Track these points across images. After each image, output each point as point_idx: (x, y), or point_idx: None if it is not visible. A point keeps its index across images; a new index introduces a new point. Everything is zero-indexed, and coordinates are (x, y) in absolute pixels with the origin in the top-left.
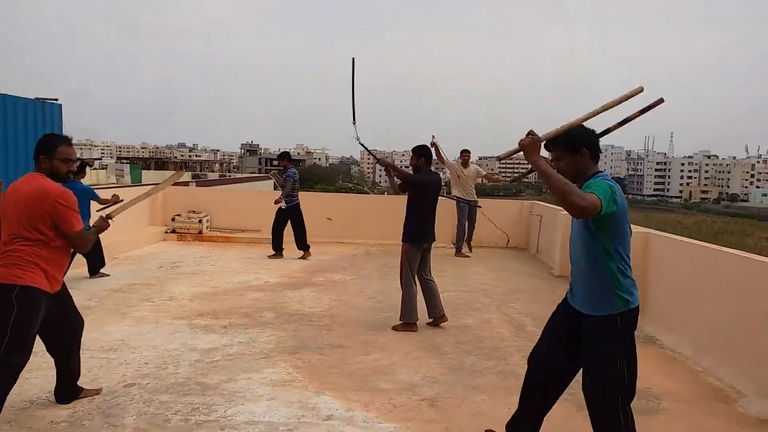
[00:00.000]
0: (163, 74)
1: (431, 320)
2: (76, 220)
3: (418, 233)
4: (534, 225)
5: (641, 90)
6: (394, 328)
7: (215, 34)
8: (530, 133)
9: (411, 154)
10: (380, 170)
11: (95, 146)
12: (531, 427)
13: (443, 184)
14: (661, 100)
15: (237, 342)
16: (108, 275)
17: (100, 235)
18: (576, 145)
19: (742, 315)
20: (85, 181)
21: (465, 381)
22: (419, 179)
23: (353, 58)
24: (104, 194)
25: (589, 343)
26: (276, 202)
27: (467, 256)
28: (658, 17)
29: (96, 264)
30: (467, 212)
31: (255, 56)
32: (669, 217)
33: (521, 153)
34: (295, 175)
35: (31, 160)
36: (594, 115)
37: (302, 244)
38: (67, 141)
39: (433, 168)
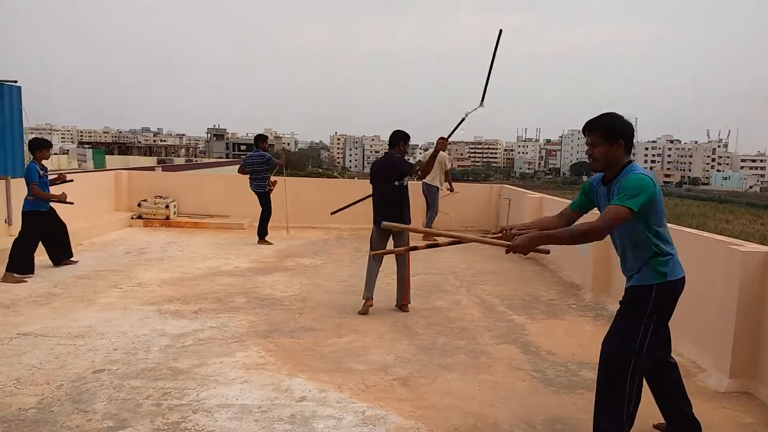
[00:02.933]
0: (126, 55)
1: (396, 304)
2: None
3: (373, 215)
4: (503, 208)
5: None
6: (359, 312)
7: (176, 12)
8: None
9: None
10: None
11: (56, 131)
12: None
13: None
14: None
15: (208, 327)
16: (76, 261)
17: (68, 223)
18: (615, 135)
19: (701, 293)
20: (46, 165)
21: (436, 361)
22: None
23: (500, 30)
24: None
25: (621, 307)
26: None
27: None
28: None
29: (61, 253)
30: (437, 198)
31: (220, 37)
32: None
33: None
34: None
35: None
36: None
37: (264, 230)
38: None
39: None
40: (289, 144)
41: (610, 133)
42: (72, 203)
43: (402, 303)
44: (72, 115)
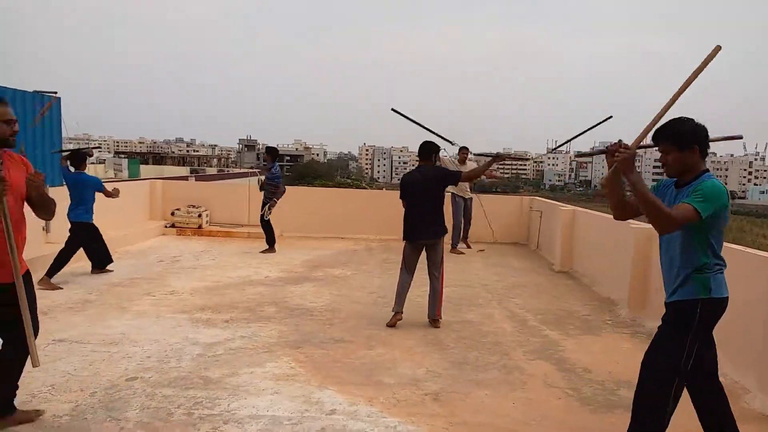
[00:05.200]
0: (161, 68)
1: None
2: None
3: (405, 231)
4: (534, 221)
5: (719, 48)
6: (388, 324)
7: (211, 29)
8: (620, 145)
9: None
10: (384, 166)
11: (93, 140)
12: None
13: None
14: (739, 137)
15: (239, 336)
16: (111, 270)
17: (103, 231)
18: (686, 140)
19: (742, 309)
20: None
21: (468, 376)
22: (402, 177)
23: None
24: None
25: (663, 324)
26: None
27: (462, 253)
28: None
29: (101, 259)
30: (462, 209)
31: (253, 51)
32: None
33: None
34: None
35: (31, 151)
36: (677, 97)
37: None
38: (2, 100)
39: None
40: (318, 155)
41: (680, 139)
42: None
43: (434, 318)
44: (109, 126)
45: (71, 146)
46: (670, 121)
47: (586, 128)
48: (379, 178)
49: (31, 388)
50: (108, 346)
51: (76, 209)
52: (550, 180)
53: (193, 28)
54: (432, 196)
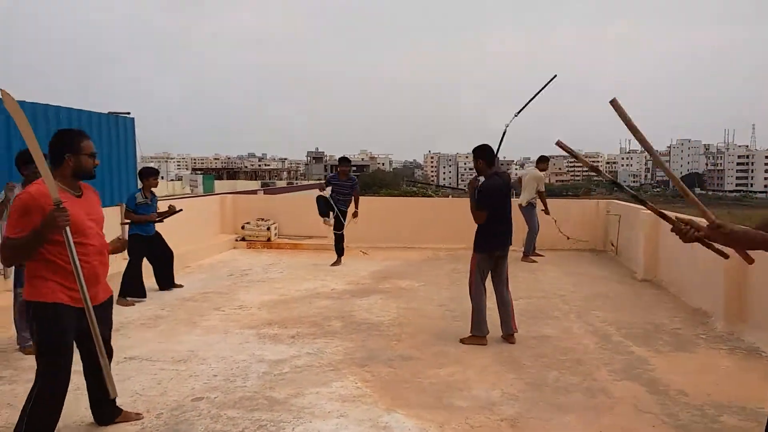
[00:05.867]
0: (231, 86)
1: (503, 335)
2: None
3: (485, 241)
4: (612, 225)
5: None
6: (462, 341)
7: (277, 44)
8: (686, 222)
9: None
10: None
11: (171, 159)
12: None
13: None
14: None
15: (305, 353)
16: (181, 286)
17: (176, 246)
18: None
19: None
20: (159, 190)
21: (548, 399)
22: (488, 187)
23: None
24: (163, 206)
25: None
26: (354, 215)
27: (534, 261)
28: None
29: (164, 281)
30: (535, 215)
31: (319, 65)
32: (754, 213)
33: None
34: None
35: (107, 171)
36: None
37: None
38: (86, 134)
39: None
40: (383, 164)
41: None
42: (181, 209)
43: (511, 332)
44: (187, 144)
45: (151, 164)
46: None
47: (536, 92)
48: (444, 185)
49: None
50: (176, 364)
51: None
52: (624, 181)
53: (260, 45)
54: (509, 203)
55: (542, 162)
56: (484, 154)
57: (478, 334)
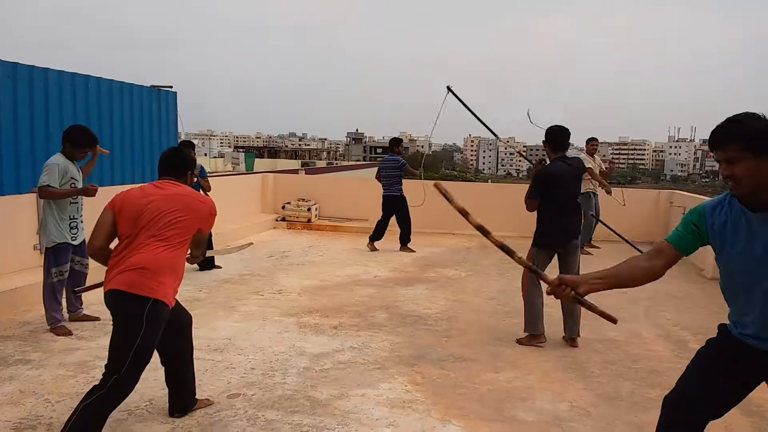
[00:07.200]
0: (277, 66)
1: (565, 336)
2: None
3: (543, 235)
4: (675, 218)
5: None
6: (519, 342)
7: (325, 30)
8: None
9: None
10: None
11: (215, 136)
12: None
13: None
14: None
15: (348, 347)
16: (220, 267)
17: (216, 224)
18: (765, 143)
19: None
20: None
21: (625, 416)
22: (541, 173)
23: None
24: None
25: None
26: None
27: (590, 254)
28: None
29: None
30: (594, 205)
31: (362, 51)
32: None
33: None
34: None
35: (148, 145)
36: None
37: (406, 237)
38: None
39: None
40: (423, 146)
41: (756, 141)
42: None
43: (575, 336)
44: (229, 122)
45: (195, 141)
46: (736, 117)
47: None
48: (483, 170)
49: (128, 402)
50: (212, 354)
51: None
52: (671, 170)
53: (304, 34)
54: (576, 192)
55: (587, 143)
56: (548, 137)
57: (534, 333)
